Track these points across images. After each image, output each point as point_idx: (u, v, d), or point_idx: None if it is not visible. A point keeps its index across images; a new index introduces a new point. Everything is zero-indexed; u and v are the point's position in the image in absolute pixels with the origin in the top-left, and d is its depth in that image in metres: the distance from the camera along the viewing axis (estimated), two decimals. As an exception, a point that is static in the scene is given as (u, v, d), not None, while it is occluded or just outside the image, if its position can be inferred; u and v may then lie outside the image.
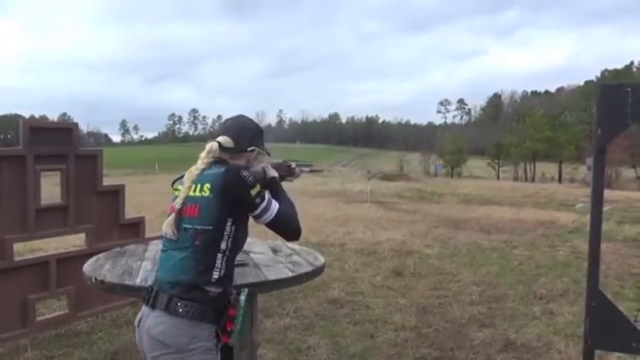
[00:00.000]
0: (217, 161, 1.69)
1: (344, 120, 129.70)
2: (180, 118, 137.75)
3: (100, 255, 2.62)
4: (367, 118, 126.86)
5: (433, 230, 8.60)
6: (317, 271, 2.44)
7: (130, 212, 4.51)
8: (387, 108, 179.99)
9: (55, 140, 3.64)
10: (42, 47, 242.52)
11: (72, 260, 3.80)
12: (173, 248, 1.62)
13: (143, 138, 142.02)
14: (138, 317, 1.67)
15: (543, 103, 62.77)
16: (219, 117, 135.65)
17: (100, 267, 2.33)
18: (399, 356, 3.43)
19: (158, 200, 10.99)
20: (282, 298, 4.50)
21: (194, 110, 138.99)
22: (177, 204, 1.64)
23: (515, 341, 3.75)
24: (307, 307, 4.37)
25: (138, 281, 2.09)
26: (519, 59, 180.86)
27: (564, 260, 6.60)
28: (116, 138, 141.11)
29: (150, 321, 1.58)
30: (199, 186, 1.61)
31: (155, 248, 2.84)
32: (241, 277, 2.07)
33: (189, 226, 1.59)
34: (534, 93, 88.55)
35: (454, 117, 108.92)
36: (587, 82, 75.57)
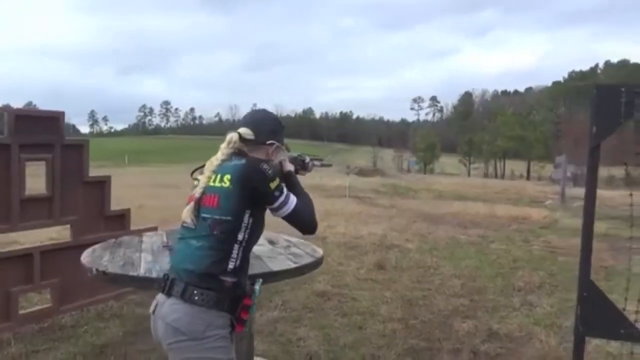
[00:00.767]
0: (236, 153, 1.70)
1: (318, 116, 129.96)
2: (151, 110, 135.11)
3: (96, 246, 2.58)
4: (341, 114, 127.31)
5: (412, 225, 8.74)
6: (318, 262, 2.47)
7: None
8: (361, 104, 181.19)
9: (40, 129, 3.55)
10: (9, 34, 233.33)
11: (56, 253, 3.73)
12: (191, 236, 1.63)
13: (112, 130, 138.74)
14: (153, 304, 1.67)
15: (512, 102, 64.32)
16: (192, 109, 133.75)
17: (99, 258, 2.30)
18: (388, 347, 3.49)
19: (131, 194, 10.82)
20: (270, 291, 4.51)
21: (166, 103, 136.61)
22: (197, 192, 1.66)
23: (498, 332, 3.87)
24: (294, 300, 4.39)
25: (142, 272, 2.08)
26: (491, 59, 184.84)
27: (538, 254, 6.82)
28: (84, 129, 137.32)
29: (166, 309, 1.59)
30: (219, 176, 1.63)
31: (149, 240, 2.82)
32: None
33: (207, 216, 1.61)
34: (504, 92, 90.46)
35: (427, 114, 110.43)
36: (555, 83, 77.83)
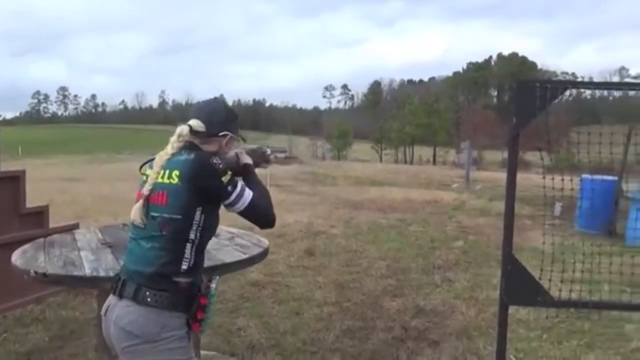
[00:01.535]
0: (187, 146, 1.63)
1: (230, 103, 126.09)
2: (46, 97, 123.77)
3: (26, 246, 2.41)
4: (254, 101, 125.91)
5: (335, 211, 8.99)
6: (265, 252, 2.52)
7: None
8: (274, 92, 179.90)
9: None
10: None
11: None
12: (141, 237, 1.57)
13: (1, 119, 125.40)
14: (105, 306, 1.61)
15: (418, 91, 67.58)
16: (93, 96, 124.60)
17: (33, 260, 2.17)
18: (326, 329, 3.63)
19: (35, 189, 9.96)
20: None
21: (64, 89, 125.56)
22: (145, 190, 1.58)
23: (424, 307, 4.18)
24: (229, 291, 4.38)
25: (88, 272, 2.00)
26: (398, 49, 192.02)
27: (452, 234, 7.37)
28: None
29: (118, 311, 1.54)
30: (167, 172, 1.56)
31: (84, 238, 2.68)
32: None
33: (156, 214, 1.54)
34: (410, 82, 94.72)
35: (339, 102, 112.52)
36: (455, 74, 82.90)
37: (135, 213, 1.60)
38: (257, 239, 2.70)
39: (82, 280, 1.95)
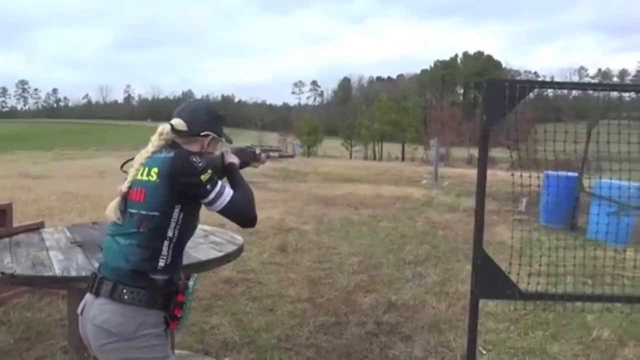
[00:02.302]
0: (169, 145, 1.64)
1: (198, 98, 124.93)
2: (4, 90, 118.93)
3: (-10, 247, 2.33)
4: (223, 97, 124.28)
5: (306, 208, 9.00)
6: (240, 249, 2.52)
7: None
8: (243, 87, 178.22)
9: None
10: None
11: None
12: (118, 233, 1.57)
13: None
14: (81, 305, 1.59)
15: (386, 88, 68.24)
16: (55, 90, 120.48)
17: None
18: (300, 326, 3.65)
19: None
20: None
21: (23, 82, 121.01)
22: (124, 186, 1.59)
23: (396, 302, 4.24)
24: (201, 289, 4.33)
25: (58, 272, 1.95)
26: (367, 46, 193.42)
27: (422, 229, 7.49)
28: None
29: (95, 309, 1.53)
30: (146, 170, 1.57)
31: (52, 237, 2.61)
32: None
33: (134, 211, 1.55)
34: (379, 78, 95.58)
35: (308, 98, 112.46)
36: (423, 71, 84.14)
37: (111, 210, 1.60)
38: (231, 236, 2.69)
39: (53, 280, 1.90)
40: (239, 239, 2.62)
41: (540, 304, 3.77)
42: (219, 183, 1.59)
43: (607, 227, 4.29)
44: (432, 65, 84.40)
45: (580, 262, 3.06)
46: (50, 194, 9.60)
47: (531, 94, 2.56)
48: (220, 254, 2.29)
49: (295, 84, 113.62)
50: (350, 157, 49.92)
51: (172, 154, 1.58)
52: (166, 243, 1.55)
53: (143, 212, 1.53)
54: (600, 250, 3.32)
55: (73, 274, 1.92)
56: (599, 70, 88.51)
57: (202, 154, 1.66)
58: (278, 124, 71.62)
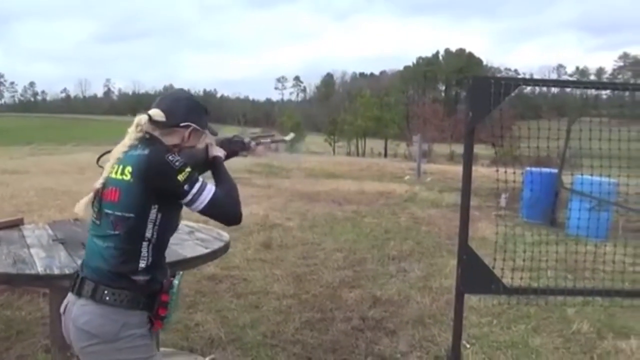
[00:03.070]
0: (146, 138, 1.55)
1: (180, 88, 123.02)
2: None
3: (-32, 245, 2.27)
4: (205, 92, 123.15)
5: (290, 204, 8.99)
6: (227, 246, 2.50)
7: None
8: (226, 82, 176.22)
9: None
10: None
11: None
12: (97, 235, 1.52)
13: None
14: (63, 304, 1.55)
15: (369, 84, 68.43)
16: (32, 84, 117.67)
17: (-22, 258, 2.04)
18: (286, 322, 3.65)
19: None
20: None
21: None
22: (97, 183, 1.52)
23: (380, 297, 4.27)
24: (185, 285, 4.28)
25: (41, 270, 1.91)
26: (351, 42, 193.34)
27: (405, 225, 7.55)
28: None
29: (76, 310, 1.49)
30: (120, 168, 1.49)
31: (33, 234, 2.56)
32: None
33: (109, 211, 1.48)
34: (362, 75, 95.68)
35: (291, 94, 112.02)
36: (406, 67, 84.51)
37: (81, 207, 1.54)
38: (217, 233, 2.67)
39: (35, 278, 1.86)
40: (226, 235, 2.60)
41: (522, 298, 3.84)
42: (199, 181, 1.50)
43: (588, 222, 4.38)
44: (415, 62, 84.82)
45: (561, 257, 3.13)
46: (29, 190, 9.39)
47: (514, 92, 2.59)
48: (207, 251, 2.27)
49: (278, 80, 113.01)
50: (334, 153, 49.99)
51: (146, 151, 1.49)
52: (145, 244, 1.49)
53: (118, 213, 1.46)
54: (580, 245, 3.38)
55: (56, 271, 1.88)
56: (577, 68, 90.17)
57: (181, 148, 1.60)
58: (261, 119, 71.40)
